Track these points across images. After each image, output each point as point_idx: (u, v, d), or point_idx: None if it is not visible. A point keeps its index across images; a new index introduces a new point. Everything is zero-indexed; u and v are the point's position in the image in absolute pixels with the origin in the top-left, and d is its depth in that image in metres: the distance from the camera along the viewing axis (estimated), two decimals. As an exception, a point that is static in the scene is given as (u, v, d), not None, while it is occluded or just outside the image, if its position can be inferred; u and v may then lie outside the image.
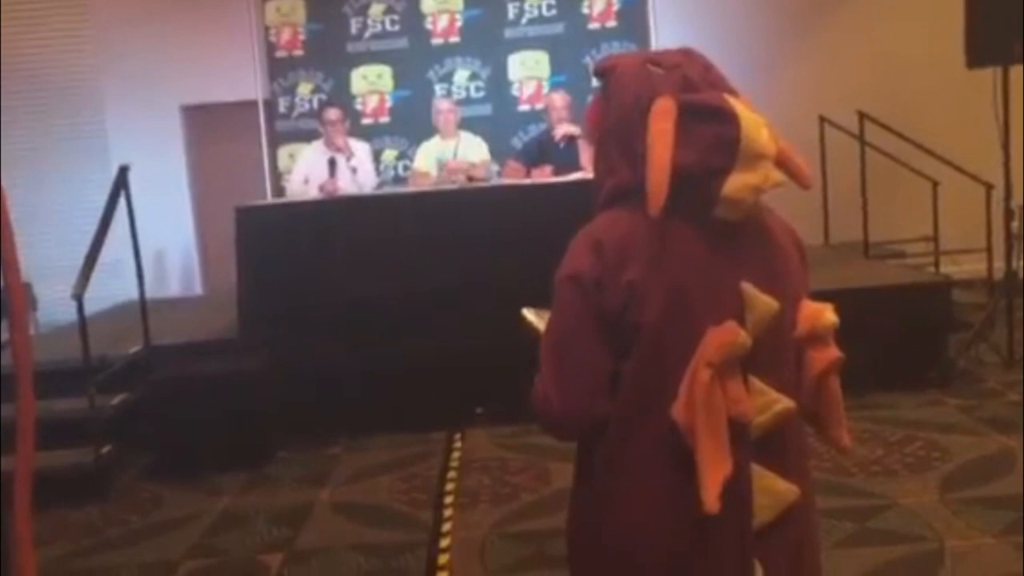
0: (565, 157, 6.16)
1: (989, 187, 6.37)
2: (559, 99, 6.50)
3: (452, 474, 4.57)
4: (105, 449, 4.73)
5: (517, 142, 7.33)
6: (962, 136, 6.82)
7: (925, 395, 5.19)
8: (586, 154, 5.72)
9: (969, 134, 6.46)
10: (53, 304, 7.10)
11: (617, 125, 1.58)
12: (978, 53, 5.35)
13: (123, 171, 5.30)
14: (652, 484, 1.51)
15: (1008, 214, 5.66)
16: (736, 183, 1.48)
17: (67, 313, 5.17)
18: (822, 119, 7.33)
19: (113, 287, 6.84)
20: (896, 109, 7.15)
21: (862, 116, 7.04)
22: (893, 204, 7.22)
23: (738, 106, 1.50)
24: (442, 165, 6.47)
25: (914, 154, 6.93)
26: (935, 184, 6.84)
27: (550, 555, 3.56)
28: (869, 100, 7.17)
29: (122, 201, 5.22)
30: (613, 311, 1.50)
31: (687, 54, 1.62)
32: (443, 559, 3.65)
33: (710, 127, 1.48)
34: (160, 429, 4.97)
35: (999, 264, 6.06)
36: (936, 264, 7.02)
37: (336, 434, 5.24)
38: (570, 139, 6.13)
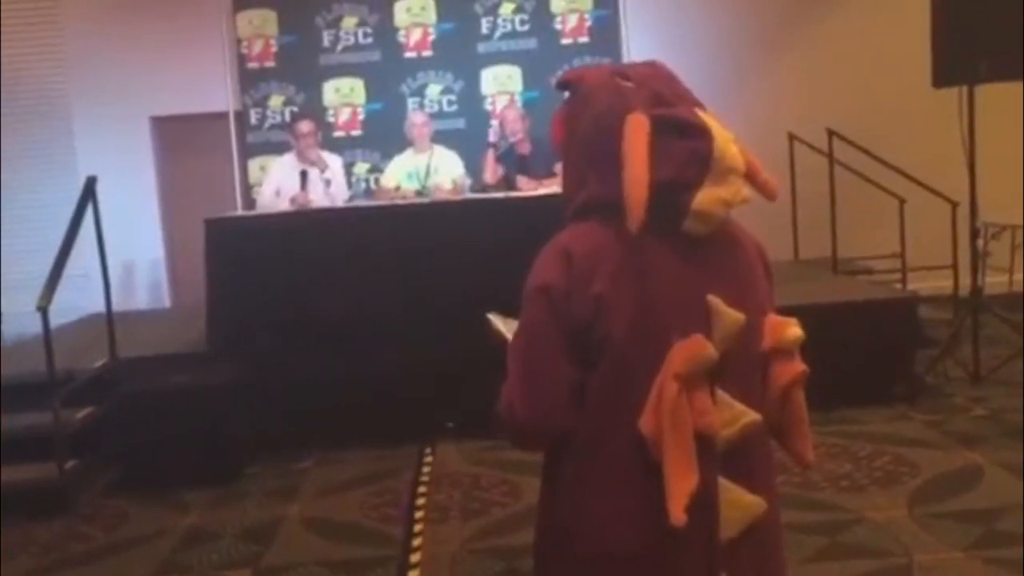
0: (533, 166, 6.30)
1: (955, 205, 6.46)
2: (511, 113, 6.73)
3: (423, 489, 4.55)
4: (70, 464, 4.66)
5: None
6: (929, 154, 6.91)
7: (893, 410, 5.23)
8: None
9: (935, 153, 6.56)
10: (18, 316, 7.01)
11: (587, 137, 1.59)
12: (944, 73, 5.42)
13: (91, 182, 5.24)
14: (620, 497, 1.51)
15: (974, 232, 5.73)
16: (706, 197, 1.49)
17: (32, 325, 5.10)
18: (791, 136, 7.40)
19: (80, 299, 6.77)
20: (864, 127, 7.23)
21: (831, 133, 7.11)
22: (861, 221, 7.30)
23: (709, 121, 1.52)
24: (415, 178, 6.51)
25: (882, 172, 7.01)
26: (902, 202, 6.93)
27: (521, 571, 3.55)
28: (838, 118, 7.25)
29: (90, 213, 5.17)
30: (581, 323, 1.50)
31: (653, 67, 1.63)
32: (413, 575, 3.62)
33: (683, 142, 1.50)
34: (126, 444, 4.90)
35: (965, 281, 6.14)
36: (903, 280, 7.09)
37: (306, 449, 5.20)
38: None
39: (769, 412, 1.58)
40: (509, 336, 1.65)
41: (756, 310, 1.57)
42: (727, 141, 1.51)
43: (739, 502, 1.52)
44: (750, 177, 1.54)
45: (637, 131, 1.49)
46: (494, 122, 6.92)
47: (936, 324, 6.21)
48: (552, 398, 1.53)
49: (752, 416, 1.52)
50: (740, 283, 1.56)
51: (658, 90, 1.57)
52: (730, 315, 1.51)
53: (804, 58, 8.12)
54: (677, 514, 1.42)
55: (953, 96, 5.50)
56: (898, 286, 6.94)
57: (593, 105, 1.59)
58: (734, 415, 1.51)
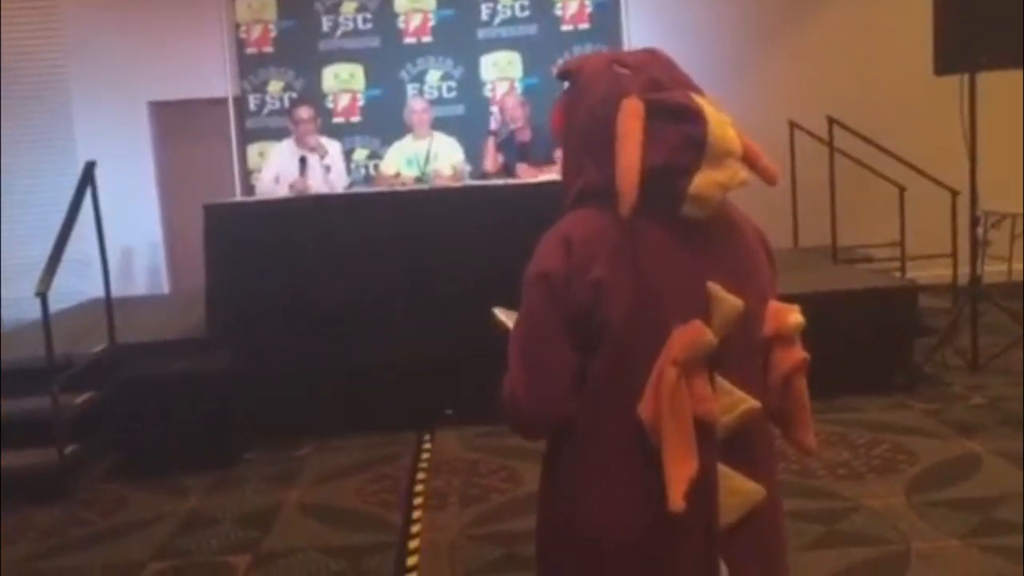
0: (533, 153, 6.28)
1: (955, 193, 6.45)
2: (511, 100, 6.73)
3: (421, 475, 4.56)
4: (69, 449, 4.67)
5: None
6: (929, 143, 6.89)
7: (891, 398, 5.24)
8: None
9: (936, 141, 6.54)
10: (17, 301, 7.00)
11: (585, 125, 1.59)
12: (945, 61, 5.41)
13: (89, 167, 5.23)
14: (619, 483, 1.51)
15: (974, 220, 5.73)
16: (703, 181, 1.49)
17: (32, 311, 5.09)
18: (792, 124, 7.38)
19: (79, 285, 6.76)
20: (865, 115, 7.21)
21: (831, 121, 7.10)
22: (861, 209, 7.29)
23: (704, 105, 1.51)
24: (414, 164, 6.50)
25: (882, 160, 7.00)
26: (902, 190, 6.92)
27: (520, 557, 3.55)
28: (838, 106, 7.23)
29: (88, 198, 5.16)
30: (581, 309, 1.50)
31: (652, 54, 1.63)
32: (412, 561, 3.63)
33: (677, 126, 1.49)
34: (125, 429, 4.91)
35: (964, 270, 6.14)
36: (903, 269, 7.09)
37: (304, 435, 5.21)
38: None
39: (770, 399, 1.57)
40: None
41: (757, 296, 1.56)
42: (723, 124, 1.51)
43: (738, 489, 1.52)
44: (749, 161, 1.54)
45: (631, 116, 1.49)
46: (495, 109, 6.85)
47: (935, 312, 6.22)
48: (554, 385, 1.53)
49: (751, 403, 1.52)
50: (740, 269, 1.56)
51: (655, 76, 1.56)
52: (729, 301, 1.51)
53: (805, 46, 8.09)
54: (676, 500, 1.42)
55: (954, 84, 5.49)
56: (897, 274, 6.93)
57: (590, 93, 1.59)
58: (733, 402, 1.51)
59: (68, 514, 4.40)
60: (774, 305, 1.59)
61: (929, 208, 6.75)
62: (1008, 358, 5.61)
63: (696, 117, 1.49)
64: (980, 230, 5.89)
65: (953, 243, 6.52)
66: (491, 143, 6.56)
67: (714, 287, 1.50)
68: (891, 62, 7.63)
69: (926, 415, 4.95)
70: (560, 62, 7.61)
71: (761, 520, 1.55)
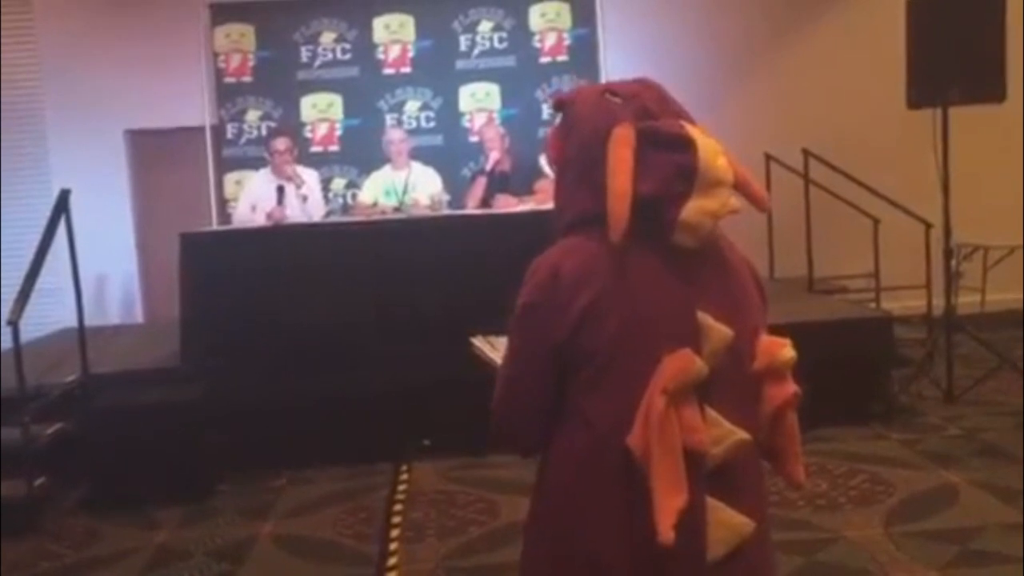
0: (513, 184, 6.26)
1: (928, 226, 6.52)
2: (491, 131, 6.71)
3: (398, 507, 4.51)
4: (39, 481, 4.59)
5: (468, 173, 7.34)
6: (903, 176, 6.98)
7: (868, 429, 5.26)
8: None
9: (910, 174, 6.62)
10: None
11: (577, 154, 1.59)
12: (918, 95, 5.49)
13: (64, 195, 5.19)
14: (609, 513, 1.50)
15: (948, 252, 5.79)
16: (693, 209, 1.49)
17: (3, 339, 5.03)
18: (768, 156, 7.44)
19: (51, 314, 6.69)
20: (840, 148, 7.29)
21: (807, 154, 7.16)
22: (836, 240, 7.35)
23: (695, 133, 1.52)
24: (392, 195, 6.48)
25: (857, 192, 7.07)
26: (876, 222, 6.98)
27: (497, 590, 3.52)
28: (814, 139, 7.31)
29: (62, 226, 5.11)
30: (570, 337, 1.50)
31: (643, 83, 1.64)
32: (388, 594, 3.59)
33: (668, 155, 1.50)
34: (97, 460, 4.83)
35: (938, 301, 6.19)
36: (877, 300, 7.14)
37: (279, 466, 5.15)
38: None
39: (761, 433, 1.57)
40: (493, 357, 1.65)
41: (747, 328, 1.56)
42: (715, 153, 1.51)
43: (728, 522, 1.50)
44: (740, 188, 1.55)
45: (622, 144, 1.49)
46: (493, 154, 6.62)
47: (910, 343, 6.26)
48: (542, 414, 1.54)
49: (741, 435, 1.51)
50: (731, 300, 1.56)
51: (646, 105, 1.57)
52: (719, 330, 1.50)
53: (781, 79, 8.19)
54: (666, 532, 1.40)
55: (927, 118, 5.56)
56: (872, 305, 6.98)
57: (583, 122, 1.60)
58: (723, 433, 1.50)
59: (37, 547, 4.31)
60: (766, 339, 1.59)
61: (903, 240, 6.81)
62: (983, 389, 5.64)
63: (687, 145, 1.50)
64: (953, 262, 5.95)
65: (927, 274, 6.57)
66: (481, 182, 6.51)
67: (704, 316, 1.50)
68: (865, 96, 7.74)
69: (903, 446, 4.96)
70: (539, 93, 7.74)
71: (751, 554, 1.54)
